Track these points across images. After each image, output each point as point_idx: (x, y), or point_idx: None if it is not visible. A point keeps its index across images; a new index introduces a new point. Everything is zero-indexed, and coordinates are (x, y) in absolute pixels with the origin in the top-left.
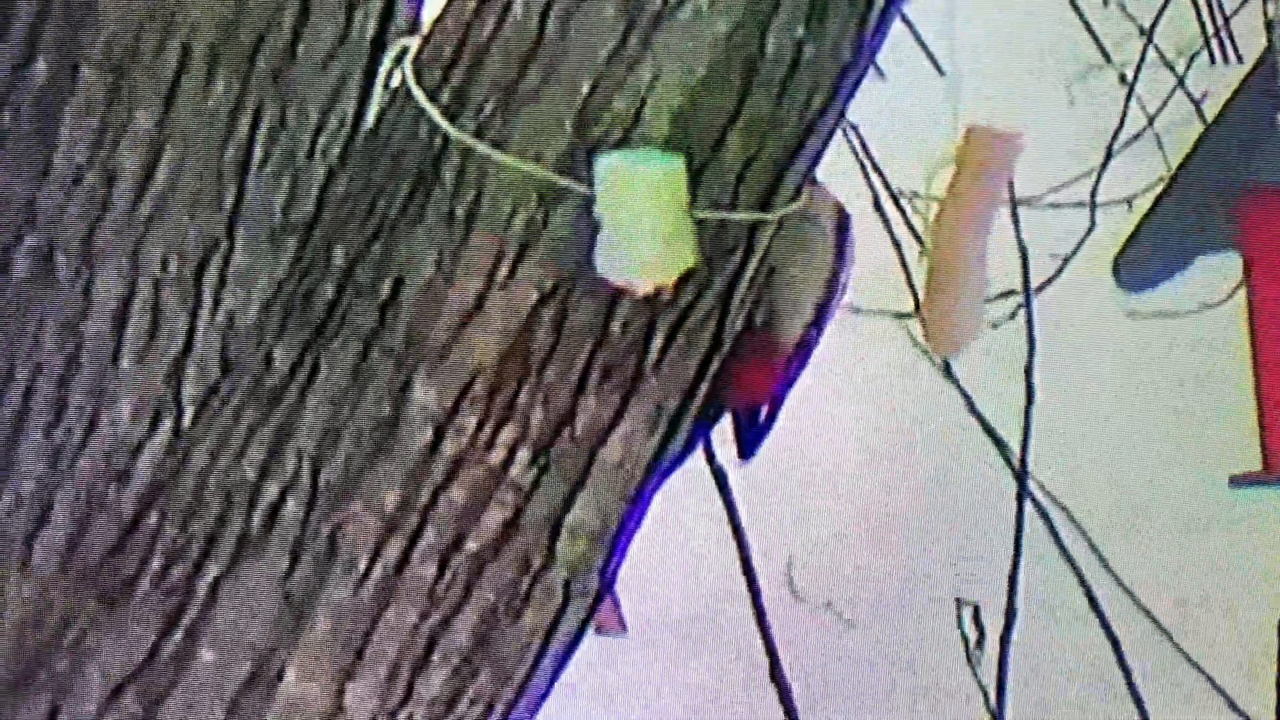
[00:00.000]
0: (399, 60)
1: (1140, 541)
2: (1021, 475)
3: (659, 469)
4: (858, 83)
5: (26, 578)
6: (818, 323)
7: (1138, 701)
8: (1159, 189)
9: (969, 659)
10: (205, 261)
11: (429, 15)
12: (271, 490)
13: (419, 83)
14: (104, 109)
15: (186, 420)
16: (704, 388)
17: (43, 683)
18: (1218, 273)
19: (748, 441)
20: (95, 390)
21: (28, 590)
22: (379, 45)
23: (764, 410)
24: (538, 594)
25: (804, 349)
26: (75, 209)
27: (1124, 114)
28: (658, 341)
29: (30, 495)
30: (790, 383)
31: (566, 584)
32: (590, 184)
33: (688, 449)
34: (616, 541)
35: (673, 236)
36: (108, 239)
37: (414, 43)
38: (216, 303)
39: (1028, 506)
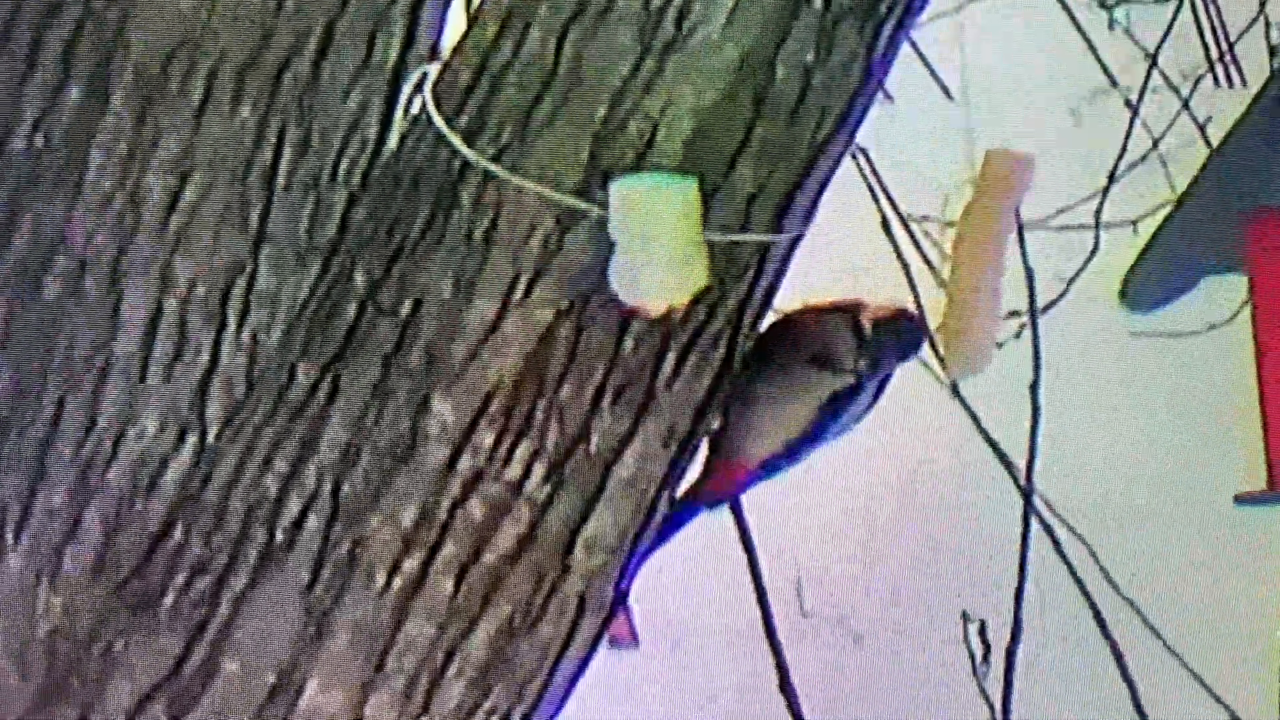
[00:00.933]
0: (419, 86)
1: (1146, 558)
2: (1027, 493)
3: (673, 483)
4: (866, 107)
5: (57, 589)
6: (789, 455)
7: (1143, 717)
8: (1164, 211)
9: (975, 674)
10: (230, 282)
11: (448, 42)
12: (293, 505)
13: (438, 108)
14: (133, 133)
15: (211, 436)
16: (715, 406)
17: (73, 691)
18: (1223, 293)
19: (674, 522)
20: (123, 407)
21: (58, 601)
22: (400, 71)
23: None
24: (553, 607)
25: (768, 470)
26: (104, 231)
27: (1127, 137)
28: (670, 361)
29: (61, 508)
30: (742, 492)
31: (581, 597)
32: (605, 207)
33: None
34: (630, 556)
35: (685, 258)
36: (136, 260)
37: (434, 69)
38: (241, 322)
39: (1033, 523)
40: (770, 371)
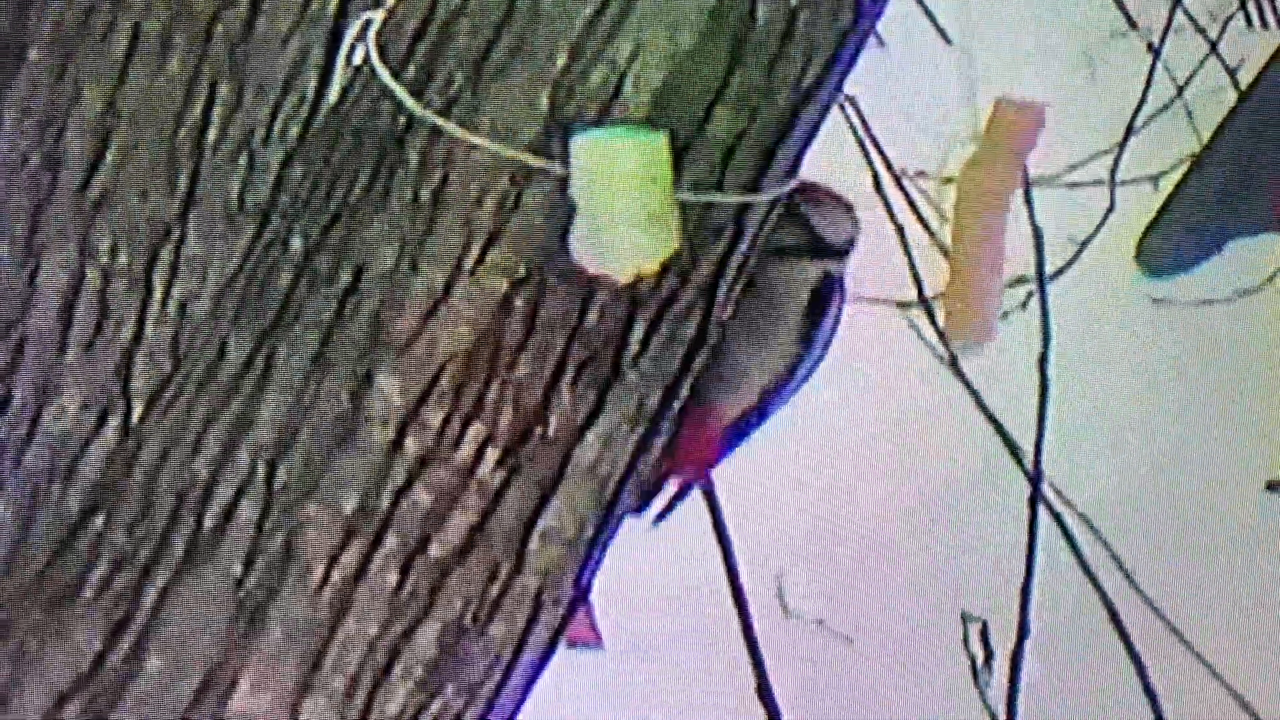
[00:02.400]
0: (362, 34)
1: (1166, 551)
2: (1035, 478)
3: (638, 470)
4: (856, 52)
5: None
6: (761, 409)
7: None
8: (1189, 165)
9: (976, 680)
10: (157, 249)
11: None
12: (225, 491)
13: (383, 58)
14: (50, 91)
15: (135, 415)
16: (687, 385)
17: None
18: (1253, 256)
19: (646, 503)
20: (40, 384)
21: None
22: (341, 19)
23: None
24: (507, 603)
25: (739, 431)
26: (20, 195)
27: (1148, 84)
28: (637, 334)
29: None
30: (716, 461)
31: (538, 593)
32: (565, 164)
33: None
34: (591, 548)
35: (654, 220)
36: (54, 226)
37: (378, 16)
38: (168, 292)
39: (1042, 512)
40: (738, 307)
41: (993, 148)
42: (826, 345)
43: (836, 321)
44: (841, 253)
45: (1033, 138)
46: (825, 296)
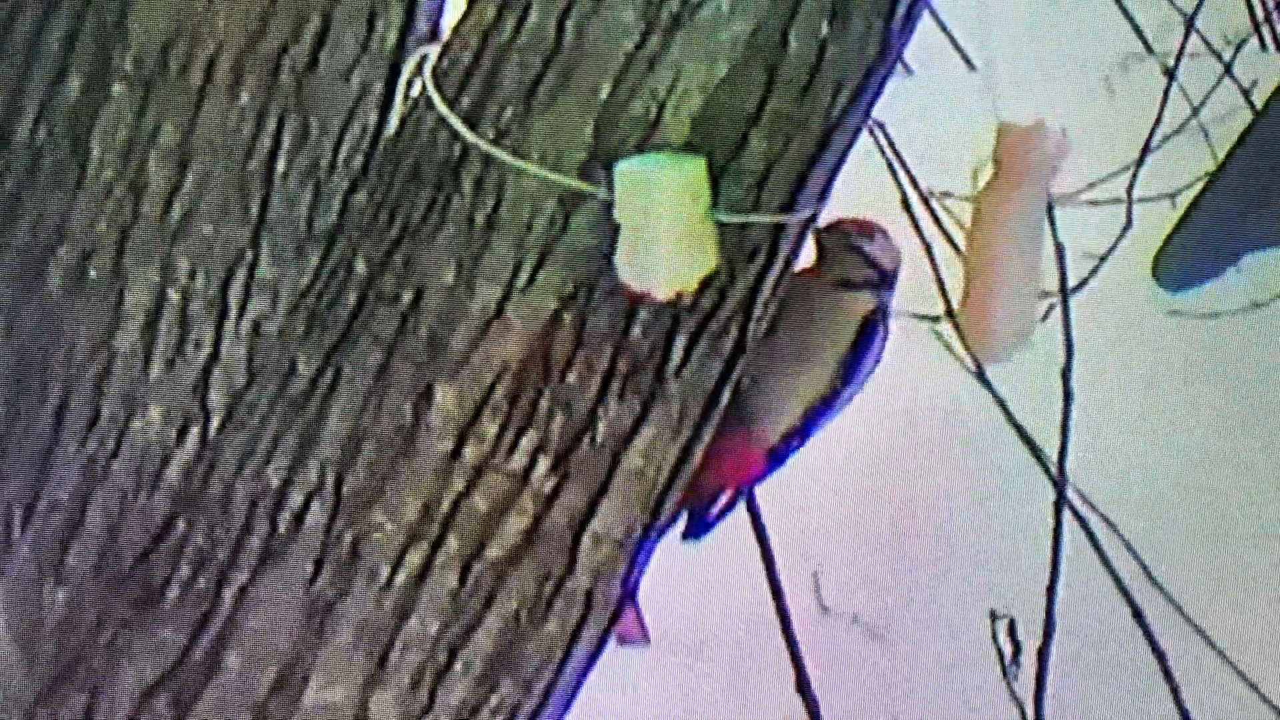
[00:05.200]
0: (419, 69)
1: (1188, 553)
2: (1060, 483)
3: (683, 476)
4: (884, 80)
5: (62, 582)
6: (803, 430)
7: (1185, 718)
8: (1205, 183)
9: (1004, 674)
10: (231, 271)
11: (448, 23)
12: (296, 498)
13: (438, 91)
14: (133, 123)
15: (213, 428)
16: (726, 394)
17: (80, 682)
18: (1267, 270)
19: (698, 524)
20: (127, 399)
21: (63, 594)
22: (399, 54)
23: (723, 498)
24: (559, 603)
25: (780, 452)
26: (106, 221)
27: (1163, 105)
28: (679, 347)
29: (65, 502)
30: (760, 479)
31: (588, 592)
32: (610, 189)
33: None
34: (639, 550)
35: (693, 241)
36: (137, 251)
37: (434, 51)
38: (242, 312)
39: (1066, 515)
40: (788, 330)
41: (1000, 170)
42: (870, 373)
43: (881, 351)
44: (894, 281)
45: (1044, 159)
46: (873, 327)
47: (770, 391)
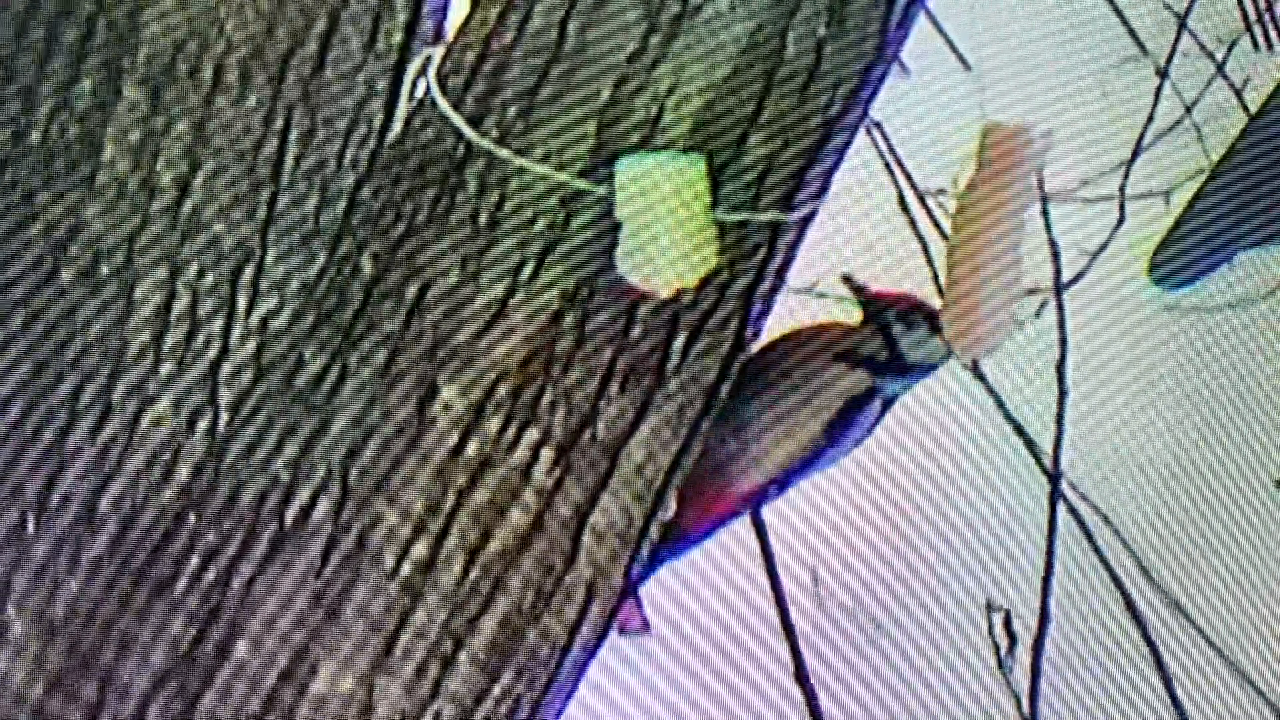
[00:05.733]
0: (423, 69)
1: (1181, 545)
2: (1054, 476)
3: (682, 469)
4: (881, 80)
5: (75, 574)
6: (781, 482)
7: (1178, 708)
8: (1198, 182)
9: (1000, 665)
10: (240, 268)
11: (452, 25)
12: (303, 491)
13: (443, 91)
14: (144, 123)
15: (222, 422)
16: (725, 391)
17: (91, 673)
18: (1259, 266)
19: (656, 558)
20: (138, 393)
21: (76, 586)
22: (404, 55)
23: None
24: (561, 594)
25: (756, 499)
26: (118, 220)
27: (1155, 103)
28: (679, 343)
29: (78, 496)
30: (727, 521)
31: (589, 584)
32: (611, 187)
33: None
34: (639, 542)
35: (694, 238)
36: (148, 248)
37: (438, 52)
38: (250, 308)
39: (1061, 508)
40: (774, 386)
41: (984, 169)
42: (857, 442)
43: (869, 428)
44: (914, 372)
45: (1025, 158)
46: (863, 404)
47: (744, 447)
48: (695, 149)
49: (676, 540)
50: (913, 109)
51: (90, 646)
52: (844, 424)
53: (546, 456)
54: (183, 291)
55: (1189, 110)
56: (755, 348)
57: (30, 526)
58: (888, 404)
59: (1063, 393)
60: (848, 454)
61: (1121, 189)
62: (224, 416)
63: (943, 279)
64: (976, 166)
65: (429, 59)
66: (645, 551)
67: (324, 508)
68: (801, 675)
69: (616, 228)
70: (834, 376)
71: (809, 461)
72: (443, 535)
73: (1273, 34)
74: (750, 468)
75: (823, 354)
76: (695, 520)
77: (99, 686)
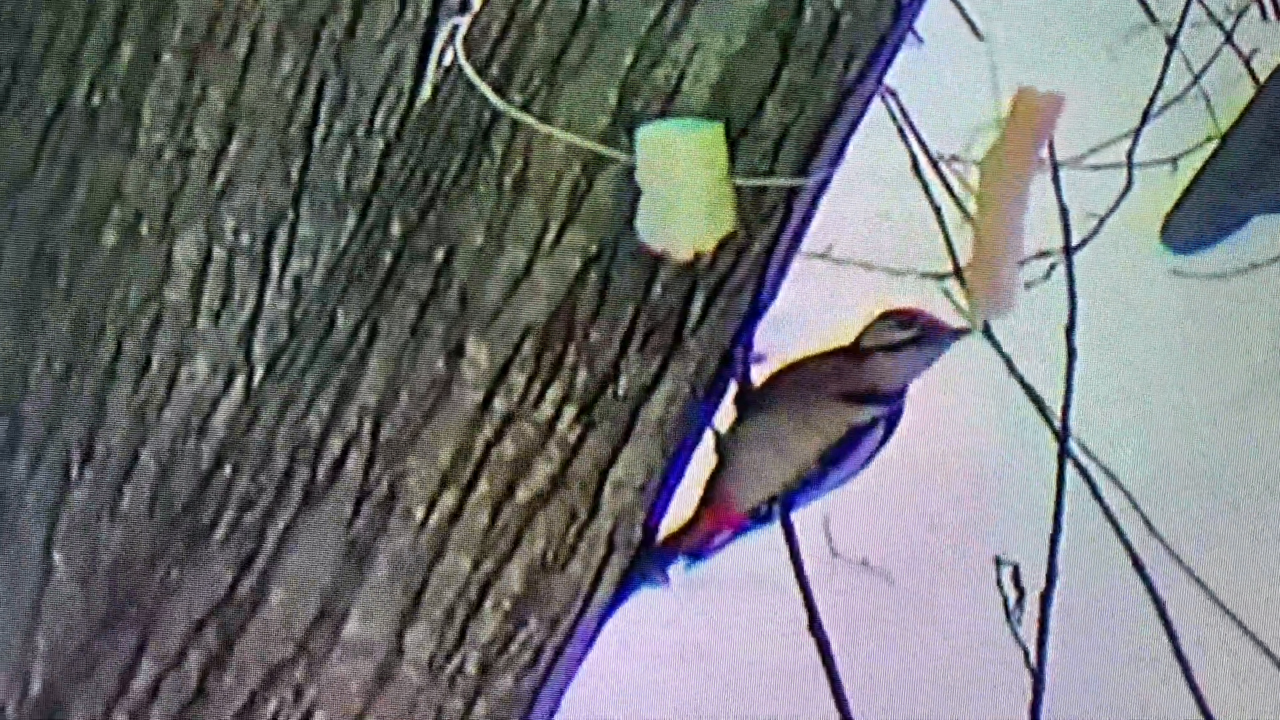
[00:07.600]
0: (450, 38)
1: (1187, 505)
2: (1063, 435)
3: (701, 423)
4: (895, 49)
5: (117, 523)
6: (786, 503)
7: (1183, 662)
8: (1206, 149)
9: (1008, 617)
10: (274, 230)
11: None
12: (335, 445)
13: (469, 59)
14: (181, 90)
15: (257, 379)
16: (741, 352)
17: (133, 618)
18: (1266, 232)
19: (656, 562)
20: (176, 350)
21: (118, 534)
22: (432, 25)
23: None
24: (584, 544)
25: (756, 520)
26: (157, 183)
27: (1163, 71)
28: (698, 305)
29: (119, 447)
30: (727, 542)
31: (611, 535)
32: (632, 153)
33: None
34: (659, 495)
35: (712, 203)
36: (186, 210)
37: (464, 21)
38: (284, 269)
39: (1069, 467)
40: (778, 411)
41: (1014, 133)
42: (862, 466)
43: (871, 454)
44: (889, 398)
45: (1050, 124)
46: (864, 432)
47: (738, 470)
48: (713, 116)
49: (687, 555)
50: (926, 77)
51: (131, 593)
52: (844, 452)
53: (569, 412)
54: (219, 252)
55: (1197, 79)
56: (758, 380)
57: (74, 474)
58: (892, 424)
59: (1071, 354)
60: (851, 478)
61: (1130, 156)
62: (259, 373)
63: (961, 241)
64: (1005, 129)
65: (456, 28)
66: (666, 501)
67: (355, 460)
68: (815, 626)
69: (637, 193)
70: (837, 413)
71: (810, 486)
72: (470, 486)
73: None
74: (746, 490)
75: (823, 397)
76: (699, 533)
77: (141, 629)
